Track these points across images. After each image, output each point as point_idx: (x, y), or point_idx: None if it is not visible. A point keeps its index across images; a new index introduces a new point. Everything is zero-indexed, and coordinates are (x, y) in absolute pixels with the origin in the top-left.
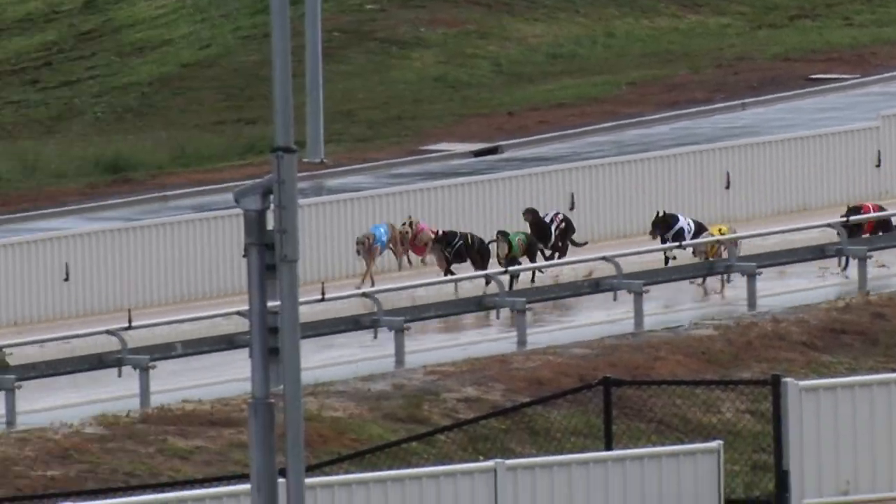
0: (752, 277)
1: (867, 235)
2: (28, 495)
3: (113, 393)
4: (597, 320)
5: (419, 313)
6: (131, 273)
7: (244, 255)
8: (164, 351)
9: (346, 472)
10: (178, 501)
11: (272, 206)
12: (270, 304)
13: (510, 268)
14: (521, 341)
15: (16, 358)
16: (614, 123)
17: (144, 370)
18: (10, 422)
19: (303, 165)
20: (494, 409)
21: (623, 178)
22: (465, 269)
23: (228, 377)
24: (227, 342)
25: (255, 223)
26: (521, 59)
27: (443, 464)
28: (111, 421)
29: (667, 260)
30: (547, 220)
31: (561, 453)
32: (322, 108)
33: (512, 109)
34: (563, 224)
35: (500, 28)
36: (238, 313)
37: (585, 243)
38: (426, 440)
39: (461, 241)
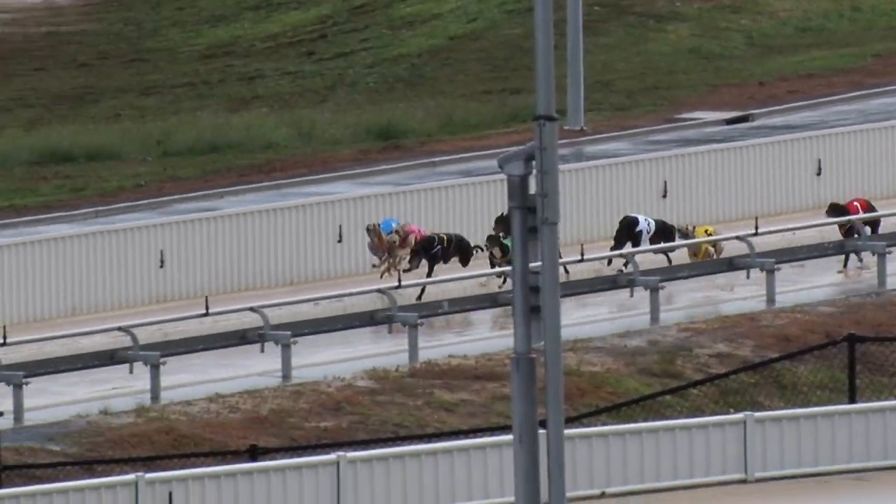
0: None
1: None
2: (302, 445)
3: (383, 349)
4: (835, 281)
5: (673, 273)
6: None
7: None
8: (432, 309)
9: (603, 423)
10: (444, 451)
11: (534, 171)
12: (532, 264)
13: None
14: (770, 300)
15: (290, 315)
16: (860, 93)
17: (413, 327)
18: (286, 375)
19: (563, 133)
20: (744, 364)
21: (867, 146)
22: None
23: (492, 333)
24: (491, 300)
25: (518, 188)
26: (771, 32)
27: (695, 416)
28: (381, 375)
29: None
30: None
31: (807, 406)
32: (582, 78)
33: (762, 80)
34: None
35: (752, 3)
36: (502, 273)
37: None
38: (679, 394)
39: (439, 247)
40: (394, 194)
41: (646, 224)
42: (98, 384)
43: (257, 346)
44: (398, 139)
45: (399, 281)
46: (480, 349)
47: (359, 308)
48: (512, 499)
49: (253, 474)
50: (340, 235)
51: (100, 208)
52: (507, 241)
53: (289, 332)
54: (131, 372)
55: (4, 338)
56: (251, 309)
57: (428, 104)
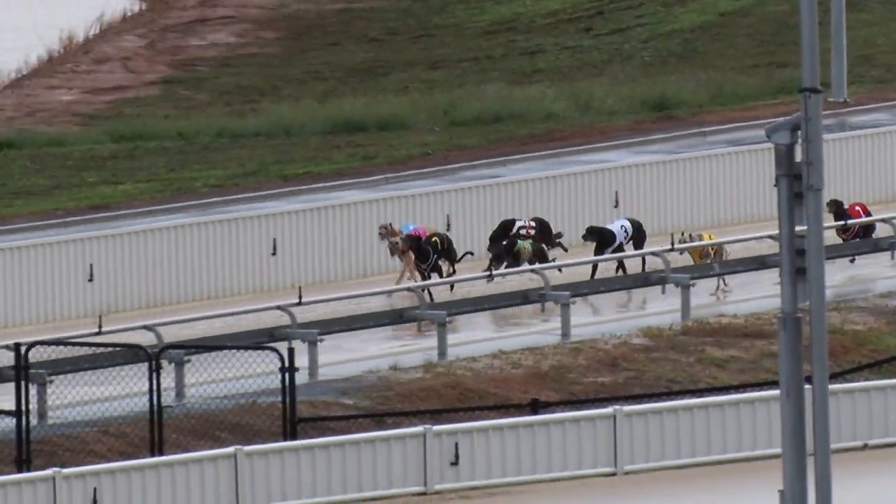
0: None
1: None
2: (581, 399)
3: (657, 308)
4: None
5: None
6: (676, 200)
7: (775, 185)
8: (704, 271)
9: (866, 379)
10: (715, 405)
11: (800, 140)
12: (798, 228)
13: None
14: None
15: (568, 277)
16: None
17: (685, 288)
18: (565, 334)
19: (827, 104)
20: None
21: None
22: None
23: (760, 294)
24: (760, 263)
25: (784, 156)
26: None
27: None
28: (655, 333)
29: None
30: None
31: None
32: (845, 52)
33: None
34: (534, 230)
35: None
36: (769, 237)
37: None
38: None
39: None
40: (666, 162)
41: (621, 230)
42: (388, 342)
43: (538, 305)
44: (671, 110)
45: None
46: (750, 308)
47: (634, 270)
48: (779, 450)
49: (534, 427)
50: (616, 200)
51: (389, 175)
52: (522, 244)
53: (568, 293)
54: (419, 330)
55: (300, 298)
56: (532, 271)
57: (699, 77)
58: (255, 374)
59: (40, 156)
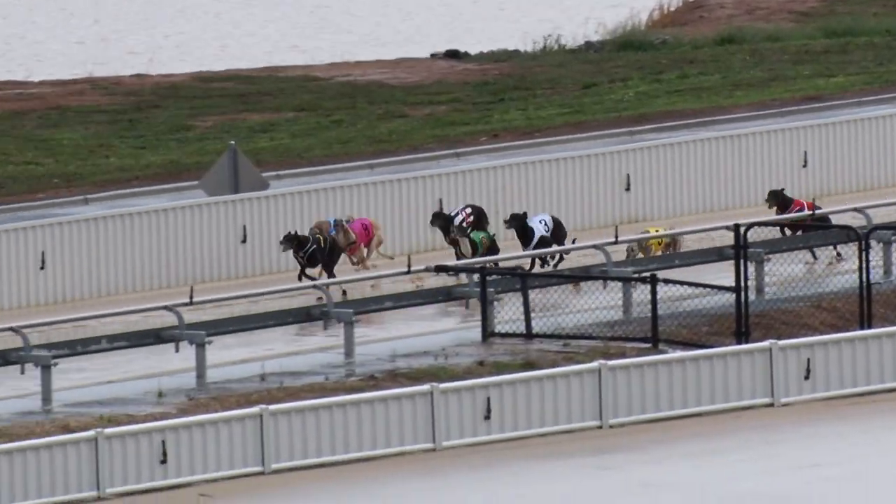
0: None
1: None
2: None
3: None
4: None
5: None
6: None
7: None
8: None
9: None
10: None
11: None
12: None
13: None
14: None
15: None
16: None
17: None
18: None
19: None
20: None
21: None
22: None
23: None
24: None
25: None
26: None
27: None
28: None
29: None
30: (453, 214)
31: None
32: None
33: None
34: (472, 218)
35: None
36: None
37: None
38: None
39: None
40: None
41: (541, 225)
42: None
43: None
44: None
45: None
46: None
47: None
48: None
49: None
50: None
51: None
52: (475, 235)
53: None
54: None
55: None
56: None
57: None
58: None
59: (758, 50)
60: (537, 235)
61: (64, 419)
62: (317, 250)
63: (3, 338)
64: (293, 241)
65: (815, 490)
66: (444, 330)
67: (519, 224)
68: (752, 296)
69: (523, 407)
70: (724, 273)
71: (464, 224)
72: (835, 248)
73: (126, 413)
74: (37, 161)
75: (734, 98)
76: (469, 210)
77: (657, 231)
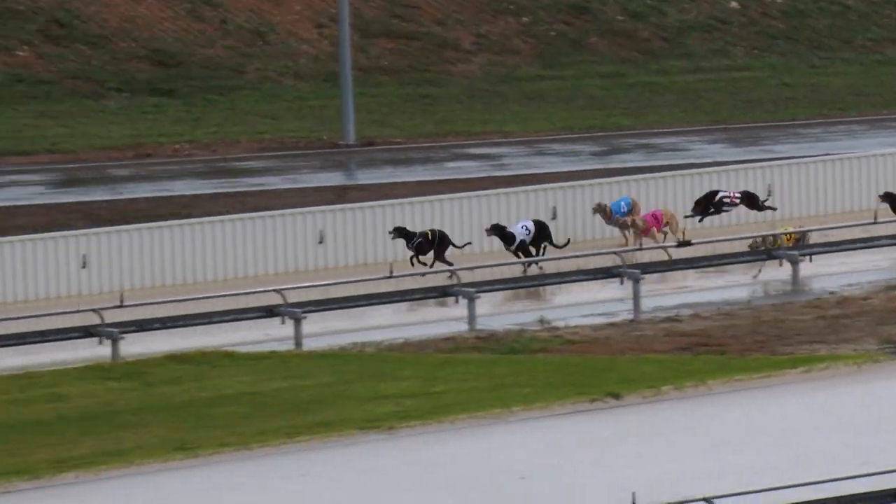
0: None
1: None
2: None
3: None
4: None
5: None
6: None
7: None
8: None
9: None
10: None
11: None
12: None
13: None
14: None
15: None
16: None
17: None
18: None
19: None
20: None
21: None
22: None
23: None
24: None
25: None
26: None
27: None
28: None
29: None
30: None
31: None
32: None
33: None
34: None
35: None
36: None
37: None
38: None
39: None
40: None
41: (522, 230)
42: None
43: None
44: None
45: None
46: None
47: None
48: None
49: None
50: None
51: None
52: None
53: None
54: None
55: None
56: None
57: None
58: None
59: None
60: (518, 239)
61: None
62: (423, 242)
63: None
64: (401, 233)
65: None
66: None
67: (499, 232)
68: None
69: None
70: None
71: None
72: None
73: None
74: None
75: None
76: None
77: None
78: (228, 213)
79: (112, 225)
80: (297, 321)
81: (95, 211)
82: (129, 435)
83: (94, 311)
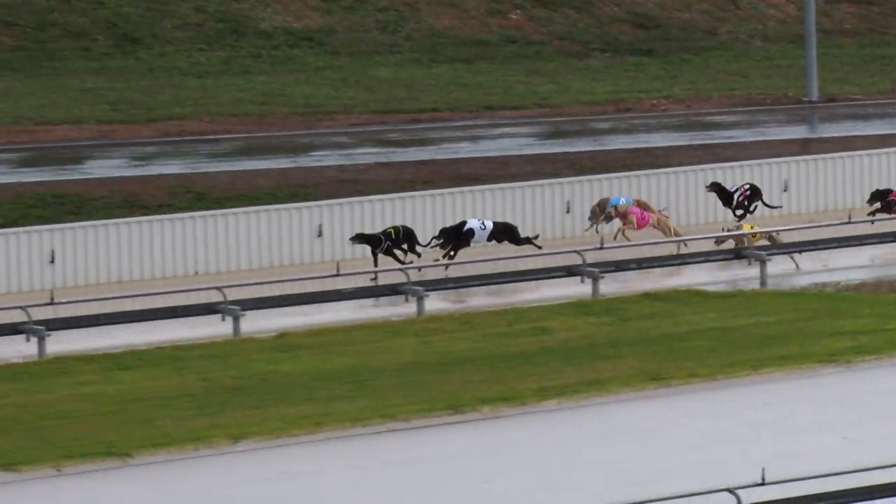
0: None
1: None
2: None
3: None
4: None
5: None
6: None
7: None
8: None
9: None
10: None
11: None
12: None
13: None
14: None
15: None
16: None
17: None
18: None
19: None
20: None
21: None
22: None
23: None
24: None
25: None
26: None
27: None
28: None
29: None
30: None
31: None
32: None
33: None
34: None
35: None
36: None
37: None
38: None
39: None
40: None
41: (479, 224)
42: None
43: None
44: None
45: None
46: None
47: None
48: None
49: None
50: None
51: None
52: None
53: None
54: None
55: None
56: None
57: None
58: None
59: None
60: (477, 236)
61: None
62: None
63: None
64: (362, 240)
65: None
66: None
67: (454, 234)
68: None
69: None
70: None
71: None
72: None
73: None
74: None
75: None
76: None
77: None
78: (699, 163)
79: (594, 174)
80: (762, 263)
81: (579, 160)
82: (606, 366)
83: (576, 252)
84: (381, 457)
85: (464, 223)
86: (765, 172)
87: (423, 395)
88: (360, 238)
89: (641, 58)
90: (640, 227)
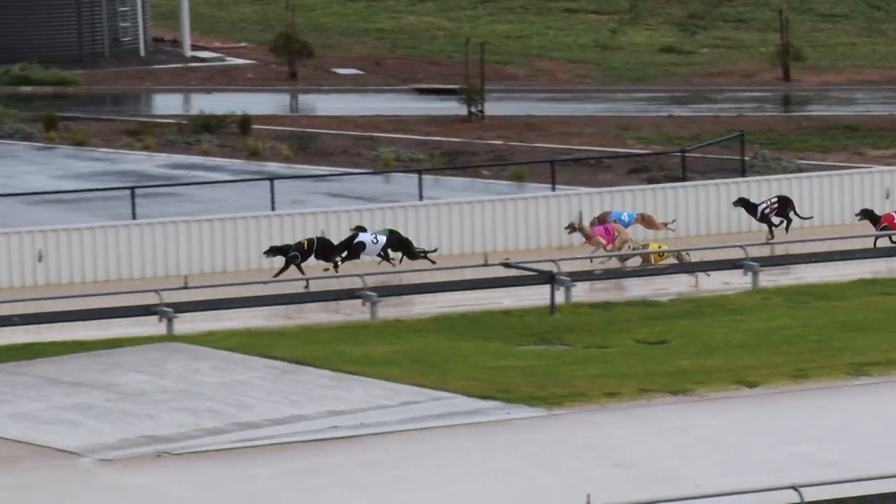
0: None
1: None
2: None
3: None
4: None
5: None
6: None
7: None
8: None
9: None
10: None
11: None
12: None
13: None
14: None
15: None
16: None
17: None
18: None
19: None
20: None
21: None
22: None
23: None
24: None
25: None
26: None
27: None
28: None
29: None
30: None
31: None
32: None
33: None
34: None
35: None
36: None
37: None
38: None
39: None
40: None
41: (371, 238)
42: None
43: None
44: None
45: None
46: None
47: None
48: None
49: None
50: None
51: None
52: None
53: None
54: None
55: None
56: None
57: None
58: None
59: None
60: (368, 249)
61: None
62: (303, 254)
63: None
64: (276, 252)
65: None
66: None
67: (347, 243)
68: None
69: None
70: None
71: (766, 210)
72: None
73: None
74: None
75: None
76: (774, 199)
77: (658, 246)
78: None
79: None
80: None
81: None
82: None
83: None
84: None
85: (355, 236)
86: None
87: None
88: (273, 251)
89: None
90: (607, 244)
